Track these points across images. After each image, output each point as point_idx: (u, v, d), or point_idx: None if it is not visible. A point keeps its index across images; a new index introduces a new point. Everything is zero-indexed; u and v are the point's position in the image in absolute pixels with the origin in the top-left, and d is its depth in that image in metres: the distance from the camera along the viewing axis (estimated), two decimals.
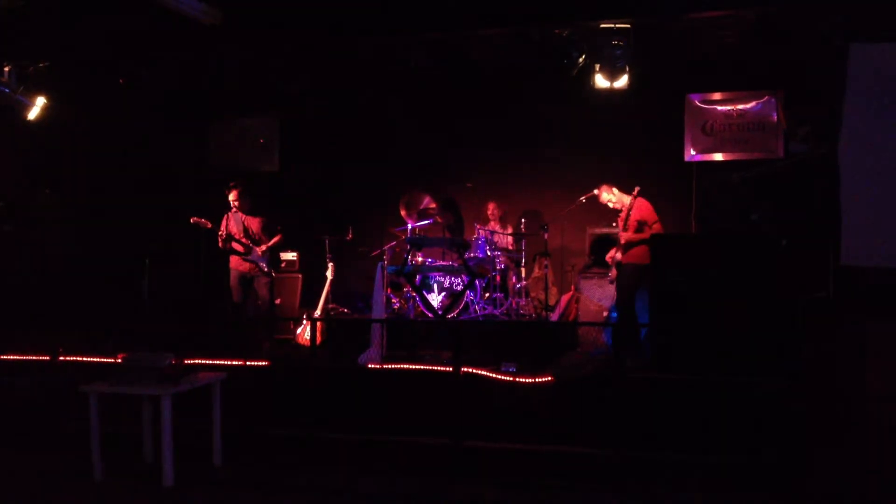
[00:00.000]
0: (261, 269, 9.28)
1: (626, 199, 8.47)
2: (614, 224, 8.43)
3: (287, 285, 10.68)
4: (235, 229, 9.29)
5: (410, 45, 9.44)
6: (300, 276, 10.81)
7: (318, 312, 9.82)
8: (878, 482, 5.95)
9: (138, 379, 6.31)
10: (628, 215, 8.33)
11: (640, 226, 8.28)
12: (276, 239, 9.45)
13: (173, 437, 6.20)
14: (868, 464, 6.02)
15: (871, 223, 6.62)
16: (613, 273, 8.69)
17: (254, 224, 9.40)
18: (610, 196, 8.62)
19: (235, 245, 9.19)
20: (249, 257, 9.25)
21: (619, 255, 8.51)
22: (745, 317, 7.02)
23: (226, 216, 9.36)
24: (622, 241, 8.40)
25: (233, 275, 9.38)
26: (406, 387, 7.34)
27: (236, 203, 9.30)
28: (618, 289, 8.67)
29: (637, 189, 8.31)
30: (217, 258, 9.56)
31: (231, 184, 9.38)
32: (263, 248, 9.30)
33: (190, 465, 6.53)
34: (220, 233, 9.08)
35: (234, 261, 9.35)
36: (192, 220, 9.00)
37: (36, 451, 7.24)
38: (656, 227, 8.32)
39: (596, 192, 8.71)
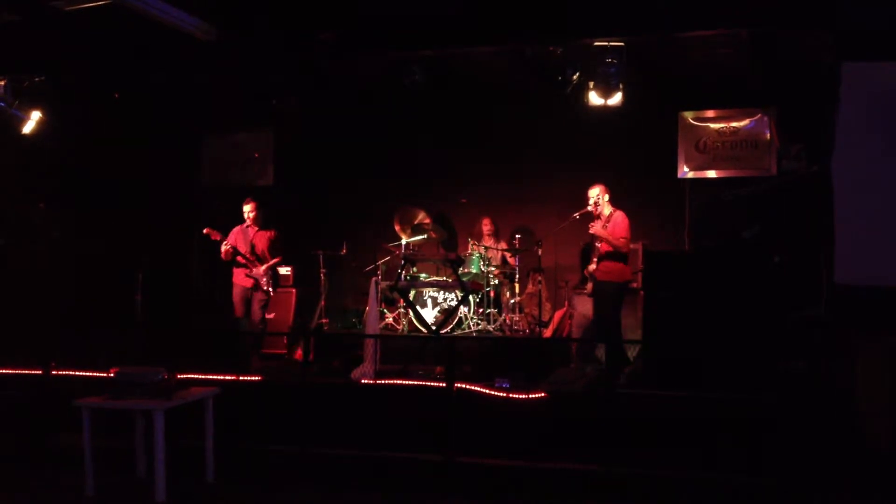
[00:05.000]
0: (259, 286, 9.27)
1: (608, 210, 8.50)
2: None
3: (281, 300, 10.65)
4: (242, 244, 9.30)
5: (406, 61, 9.46)
6: (294, 290, 10.80)
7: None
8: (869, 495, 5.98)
9: (131, 393, 6.29)
10: (605, 220, 8.43)
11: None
12: (275, 260, 9.43)
13: (166, 452, 6.17)
14: (860, 478, 6.05)
15: (864, 241, 6.66)
16: (590, 287, 8.70)
17: (260, 242, 9.40)
18: (597, 195, 8.57)
19: (239, 258, 9.20)
20: (251, 273, 9.23)
21: (592, 267, 8.54)
22: (737, 333, 7.03)
23: (234, 230, 9.38)
24: (591, 231, 8.44)
25: (235, 290, 9.37)
26: (399, 402, 7.33)
27: (251, 216, 9.33)
28: (596, 305, 8.63)
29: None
30: (212, 272, 9.56)
31: (247, 198, 9.44)
32: (264, 267, 9.28)
33: (182, 481, 6.49)
34: (224, 246, 9.11)
35: (238, 276, 9.34)
36: (204, 231, 9.11)
37: (27, 465, 7.20)
38: (621, 241, 8.36)
39: (590, 190, 8.67)
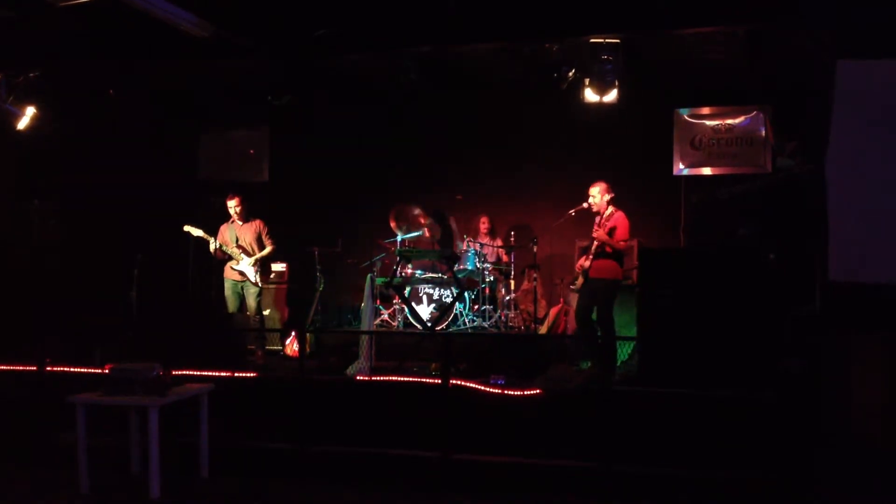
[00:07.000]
0: (249, 280, 9.29)
1: (609, 209, 8.45)
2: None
3: (275, 296, 10.65)
4: (229, 240, 9.33)
5: (402, 58, 9.44)
6: (288, 286, 10.79)
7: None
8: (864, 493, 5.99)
9: (126, 390, 6.29)
10: (605, 219, 8.35)
11: (612, 231, 8.25)
12: (265, 252, 9.44)
13: (160, 448, 6.17)
14: (858, 478, 6.07)
15: (858, 239, 6.67)
16: (580, 282, 8.66)
17: (246, 235, 9.41)
18: (597, 193, 8.51)
19: (231, 251, 9.24)
20: (238, 267, 9.26)
21: (587, 264, 8.48)
22: (732, 331, 7.03)
23: (221, 227, 9.46)
24: (594, 235, 8.38)
25: (226, 285, 9.45)
26: (394, 399, 7.32)
27: (237, 211, 9.37)
28: (587, 302, 8.52)
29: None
30: (206, 269, 9.55)
31: (230, 194, 9.44)
32: (251, 260, 9.29)
33: (177, 478, 6.52)
34: (212, 246, 9.20)
35: (227, 271, 9.41)
36: (184, 229, 9.21)
37: (22, 463, 7.18)
38: (622, 244, 8.31)
39: (591, 188, 8.61)
